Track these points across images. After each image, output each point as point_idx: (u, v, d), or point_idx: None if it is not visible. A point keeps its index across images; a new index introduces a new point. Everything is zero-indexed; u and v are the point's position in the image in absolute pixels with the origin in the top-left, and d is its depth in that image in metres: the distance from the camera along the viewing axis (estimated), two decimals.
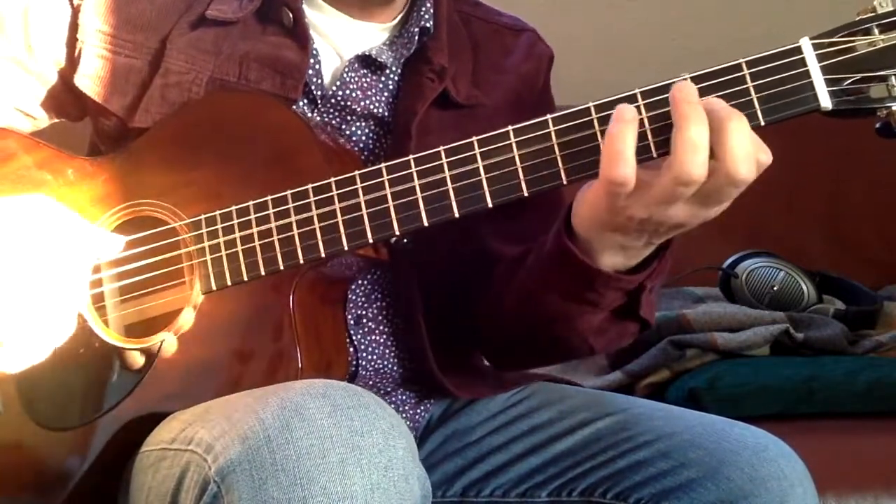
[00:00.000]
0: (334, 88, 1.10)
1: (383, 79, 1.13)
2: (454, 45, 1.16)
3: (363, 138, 1.12)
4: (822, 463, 1.11)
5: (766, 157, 0.84)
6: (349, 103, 1.10)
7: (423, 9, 1.14)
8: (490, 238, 1.14)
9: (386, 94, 1.13)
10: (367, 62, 1.12)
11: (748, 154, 0.82)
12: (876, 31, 0.83)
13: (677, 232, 0.90)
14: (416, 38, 1.13)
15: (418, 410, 1.20)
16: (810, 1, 2.14)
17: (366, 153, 1.12)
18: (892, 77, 0.82)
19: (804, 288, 1.91)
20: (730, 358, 1.75)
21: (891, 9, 0.83)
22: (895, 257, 2.17)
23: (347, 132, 1.11)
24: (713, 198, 0.85)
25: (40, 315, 0.91)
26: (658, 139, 0.85)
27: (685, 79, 0.85)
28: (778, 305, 1.89)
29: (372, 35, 1.14)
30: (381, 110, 1.12)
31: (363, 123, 1.12)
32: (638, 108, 0.86)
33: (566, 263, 0.95)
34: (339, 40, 1.13)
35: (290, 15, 1.08)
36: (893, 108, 0.83)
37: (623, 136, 0.83)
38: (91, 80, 1.09)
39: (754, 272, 1.93)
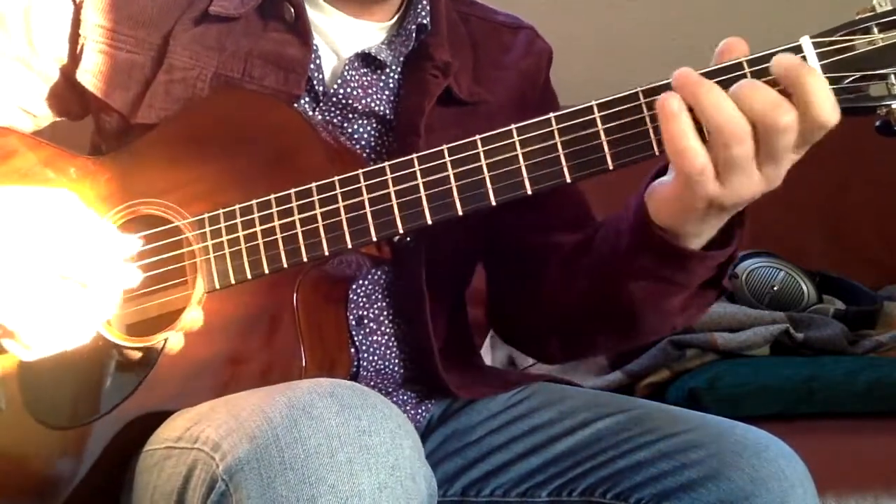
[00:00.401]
0: (335, 87, 1.10)
1: (383, 77, 1.13)
2: (454, 43, 1.16)
3: (365, 136, 1.12)
4: (822, 463, 1.11)
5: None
6: (351, 101, 1.10)
7: (420, 6, 1.14)
8: (532, 232, 1.15)
9: (387, 92, 1.13)
10: (366, 60, 1.13)
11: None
12: (875, 29, 0.83)
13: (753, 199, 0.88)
14: (414, 35, 1.13)
15: (419, 410, 1.20)
16: (811, 3, 2.14)
17: (368, 151, 1.12)
18: (892, 75, 0.82)
19: (804, 288, 1.91)
20: (730, 358, 1.75)
21: (890, 8, 0.83)
22: (895, 257, 2.17)
23: (349, 130, 1.11)
24: (777, 153, 0.83)
25: (58, 308, 0.91)
26: (660, 137, 0.85)
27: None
28: (778, 305, 1.89)
29: (370, 34, 1.14)
30: (382, 108, 1.12)
31: (365, 122, 1.12)
32: (639, 106, 0.86)
33: (656, 251, 0.93)
34: (338, 39, 1.13)
35: (292, 10, 1.08)
36: (893, 107, 0.83)
37: (681, 132, 0.83)
38: (93, 76, 1.10)
39: (754, 272, 1.93)
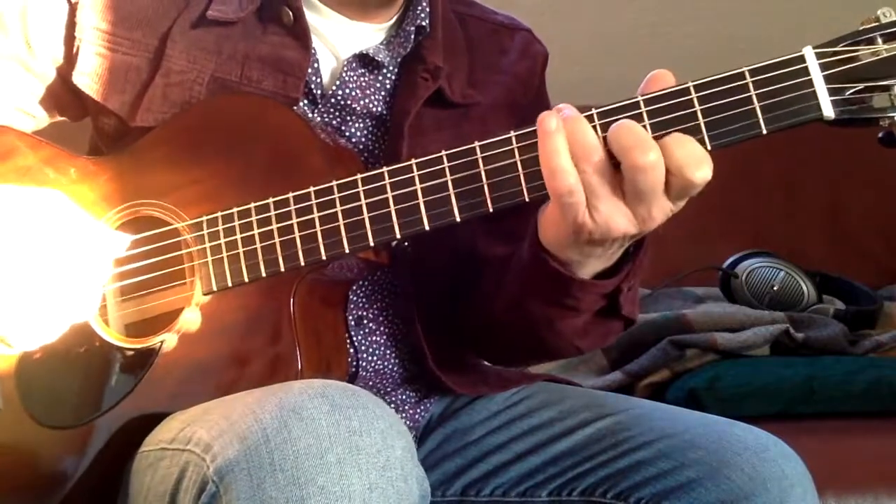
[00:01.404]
0: (334, 88, 1.10)
1: (381, 78, 1.13)
2: (449, 45, 1.16)
3: (362, 138, 1.12)
4: (822, 463, 1.11)
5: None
6: (349, 102, 1.10)
7: (420, 8, 1.14)
8: (479, 237, 1.15)
9: (383, 92, 1.13)
10: (364, 61, 1.12)
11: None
12: (879, 40, 0.83)
13: (633, 239, 0.91)
14: (412, 37, 1.13)
15: (418, 410, 1.20)
16: (811, 2, 2.14)
17: (365, 154, 1.12)
18: (895, 87, 0.82)
19: (804, 288, 1.91)
20: (730, 358, 1.75)
21: (894, 18, 0.83)
22: (895, 257, 2.17)
23: (347, 132, 1.11)
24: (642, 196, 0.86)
25: (48, 306, 0.92)
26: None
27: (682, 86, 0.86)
28: (778, 305, 1.89)
29: (369, 35, 1.14)
30: (379, 109, 1.12)
31: (362, 123, 1.12)
32: (640, 115, 0.86)
33: (542, 271, 0.95)
34: (337, 41, 1.13)
35: (291, 14, 1.08)
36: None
37: (554, 151, 0.85)
38: (89, 78, 1.09)
39: (754, 272, 1.93)
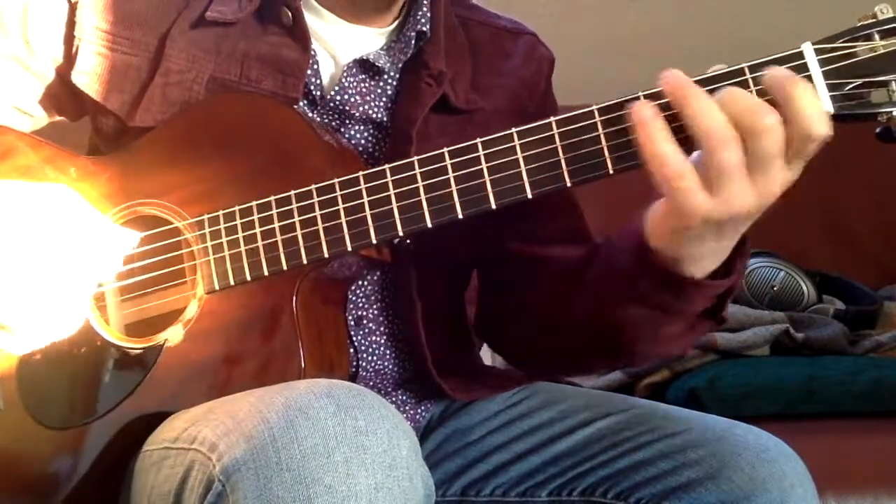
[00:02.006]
0: (333, 93, 1.10)
1: (381, 83, 1.13)
2: (452, 50, 1.15)
3: (362, 142, 1.12)
4: (822, 463, 1.11)
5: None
6: (347, 108, 1.10)
7: (420, 13, 1.13)
8: (514, 242, 1.14)
9: (384, 98, 1.13)
10: (364, 67, 1.12)
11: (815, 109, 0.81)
12: (877, 36, 0.83)
13: (753, 218, 0.87)
14: (413, 42, 1.13)
15: (418, 410, 1.20)
16: (811, 3, 2.14)
17: (365, 156, 1.11)
18: (893, 82, 0.82)
19: (804, 288, 1.91)
20: (730, 358, 1.75)
21: (891, 15, 0.83)
22: (895, 257, 2.17)
23: (346, 136, 1.11)
24: (765, 162, 0.82)
25: (50, 302, 0.91)
26: None
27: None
28: (778, 305, 1.89)
29: (369, 40, 1.14)
30: (379, 115, 1.12)
31: (361, 128, 1.12)
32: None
33: (651, 275, 0.92)
34: (336, 44, 1.12)
35: (290, 14, 1.08)
36: (894, 113, 0.83)
37: (653, 137, 0.83)
38: (89, 78, 1.09)
39: (754, 272, 1.93)
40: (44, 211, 0.92)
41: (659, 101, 0.85)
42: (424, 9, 1.14)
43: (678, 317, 0.96)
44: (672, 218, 0.87)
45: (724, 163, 0.82)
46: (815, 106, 0.81)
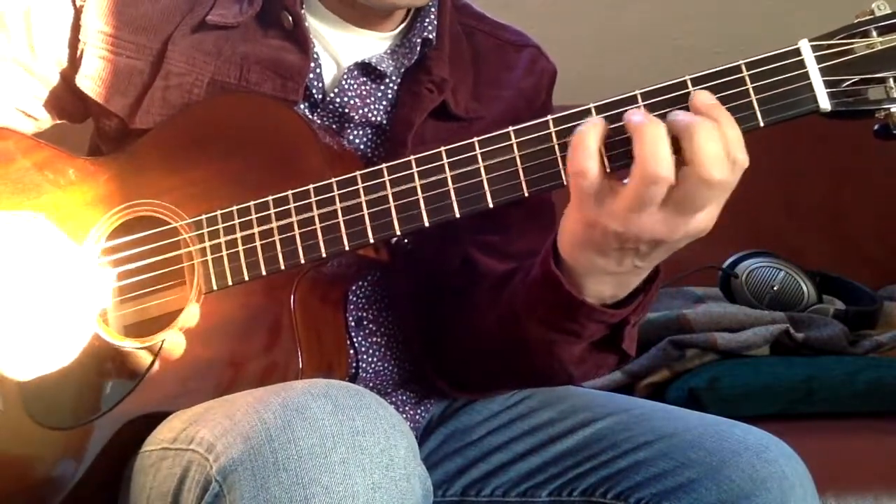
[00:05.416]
0: (332, 95, 1.10)
1: (382, 87, 1.13)
2: (455, 58, 1.15)
3: (360, 145, 1.12)
4: (822, 463, 1.11)
5: (743, 157, 0.82)
6: (347, 110, 1.10)
7: (427, 20, 1.13)
8: (476, 250, 1.13)
9: (385, 102, 1.13)
10: (366, 70, 1.12)
11: (717, 154, 0.80)
12: (874, 33, 0.83)
13: (660, 250, 0.88)
14: (418, 48, 1.13)
15: (418, 410, 1.20)
16: (809, 1, 2.14)
17: (363, 160, 1.11)
18: (891, 79, 0.83)
19: (804, 288, 1.91)
20: (730, 358, 1.75)
21: (888, 12, 0.83)
22: (895, 257, 2.17)
23: (346, 139, 1.11)
24: (688, 203, 0.82)
25: (48, 333, 0.93)
26: None
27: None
28: (778, 305, 1.89)
29: (372, 44, 1.14)
30: (379, 118, 1.12)
31: (360, 131, 1.12)
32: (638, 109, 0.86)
33: (551, 291, 0.93)
34: (339, 47, 1.12)
35: (290, 18, 1.08)
36: (891, 110, 0.83)
37: (587, 131, 0.83)
38: (92, 81, 1.10)
39: (754, 272, 1.92)
40: (21, 247, 0.93)
41: (655, 100, 0.85)
42: (432, 16, 1.14)
43: (573, 338, 0.97)
44: (578, 224, 0.88)
45: (648, 197, 0.82)
46: (715, 148, 0.80)
